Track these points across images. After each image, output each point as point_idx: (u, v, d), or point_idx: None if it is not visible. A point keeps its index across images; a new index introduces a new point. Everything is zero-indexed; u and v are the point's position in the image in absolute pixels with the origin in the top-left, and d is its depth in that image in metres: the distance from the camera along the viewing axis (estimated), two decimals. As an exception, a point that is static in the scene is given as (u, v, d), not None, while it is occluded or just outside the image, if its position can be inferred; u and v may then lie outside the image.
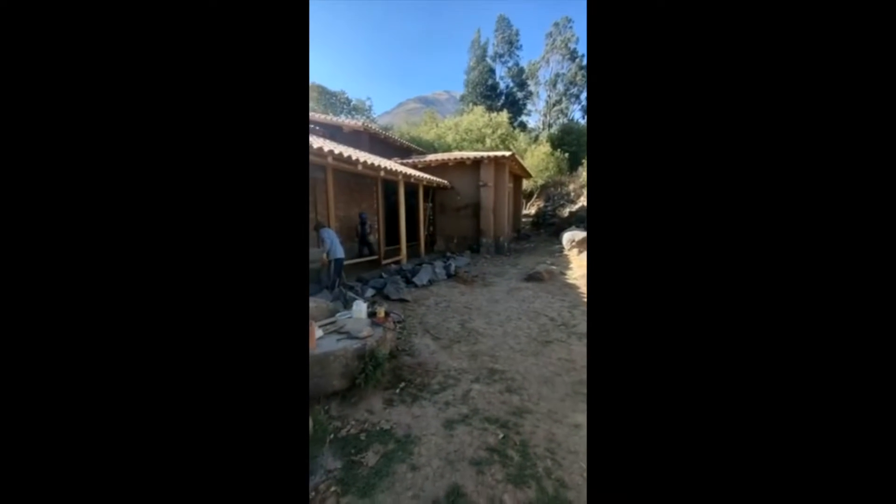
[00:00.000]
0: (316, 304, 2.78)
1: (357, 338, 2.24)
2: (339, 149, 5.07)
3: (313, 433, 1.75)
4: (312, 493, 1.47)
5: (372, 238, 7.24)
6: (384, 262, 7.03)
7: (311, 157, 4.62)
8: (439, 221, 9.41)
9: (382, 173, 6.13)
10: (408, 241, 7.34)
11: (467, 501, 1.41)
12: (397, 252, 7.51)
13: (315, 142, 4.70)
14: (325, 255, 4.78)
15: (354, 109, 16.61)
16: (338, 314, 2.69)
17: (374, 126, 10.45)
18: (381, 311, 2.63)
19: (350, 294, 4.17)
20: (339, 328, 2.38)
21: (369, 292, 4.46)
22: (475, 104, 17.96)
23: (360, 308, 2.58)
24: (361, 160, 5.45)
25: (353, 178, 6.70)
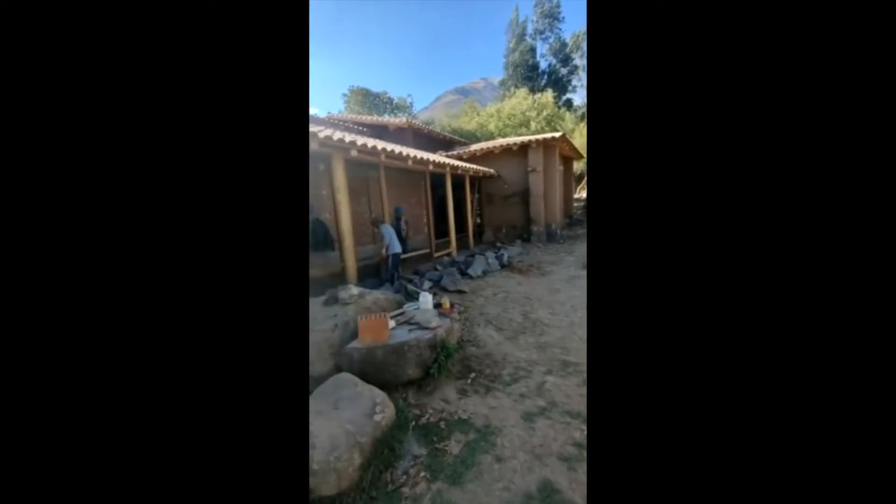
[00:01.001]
0: (385, 296, 2.88)
1: (427, 328, 2.28)
2: (390, 146, 5.20)
3: (396, 420, 1.82)
4: (403, 477, 1.52)
5: (408, 233, 7.22)
6: (435, 254, 7.14)
7: (365, 156, 4.82)
8: (486, 212, 9.26)
9: (431, 167, 6.17)
10: (456, 233, 7.34)
11: (563, 498, 1.35)
12: (447, 245, 7.57)
13: (368, 141, 4.88)
14: (383, 251, 4.99)
15: (397, 108, 16.99)
16: (405, 305, 2.76)
17: (417, 122, 10.58)
18: (446, 303, 2.65)
19: (411, 287, 4.28)
20: (408, 319, 2.45)
21: (426, 284, 4.54)
22: (517, 87, 17.21)
23: (427, 299, 2.62)
24: (411, 155, 5.54)
25: (402, 175, 6.87)
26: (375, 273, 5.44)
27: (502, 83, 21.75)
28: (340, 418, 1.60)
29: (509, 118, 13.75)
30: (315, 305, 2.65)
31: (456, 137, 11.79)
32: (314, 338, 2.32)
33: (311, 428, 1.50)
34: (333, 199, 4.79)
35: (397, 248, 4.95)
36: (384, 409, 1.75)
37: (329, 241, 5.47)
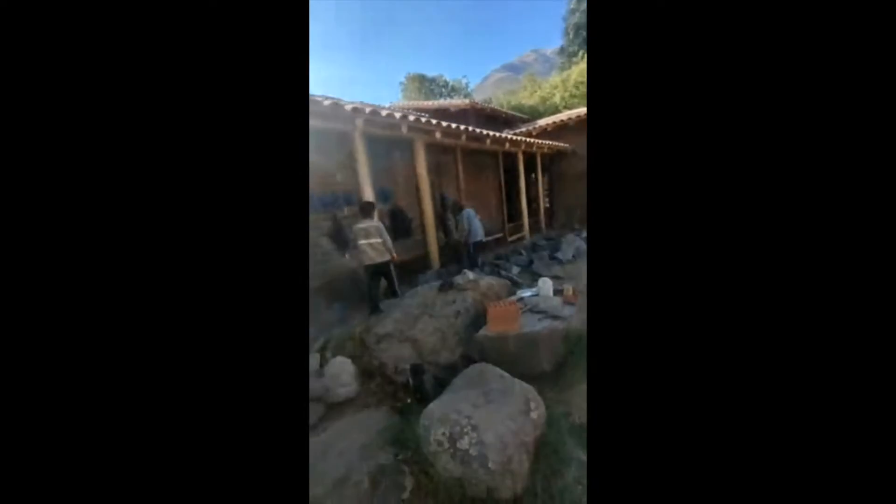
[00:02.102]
0: (497, 282, 2.73)
1: (560, 317, 2.06)
2: (470, 127, 4.97)
3: (547, 418, 1.65)
4: (579, 487, 1.35)
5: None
6: (509, 239, 6.85)
7: (445, 140, 4.67)
8: (557, 193, 8.60)
9: (507, 145, 5.83)
10: (511, 219, 6.93)
11: None
12: (520, 228, 7.21)
13: (452, 123, 4.70)
14: (463, 237, 4.89)
15: (453, 90, 16.63)
16: (518, 292, 2.57)
17: (478, 103, 10.15)
18: (569, 290, 2.39)
19: (504, 273, 4.09)
20: (532, 307, 2.25)
21: (514, 270, 4.31)
22: (583, 51, 15.56)
23: (547, 286, 2.39)
24: (490, 135, 5.26)
25: (469, 157, 6.61)
26: (455, 259, 5.37)
27: (562, 51, 19.88)
28: (499, 414, 1.47)
29: (577, 87, 12.49)
30: (430, 292, 2.60)
31: (518, 115, 11.09)
32: (436, 324, 2.26)
33: (475, 420, 1.40)
34: (417, 185, 4.77)
35: (480, 234, 4.79)
36: (538, 406, 1.58)
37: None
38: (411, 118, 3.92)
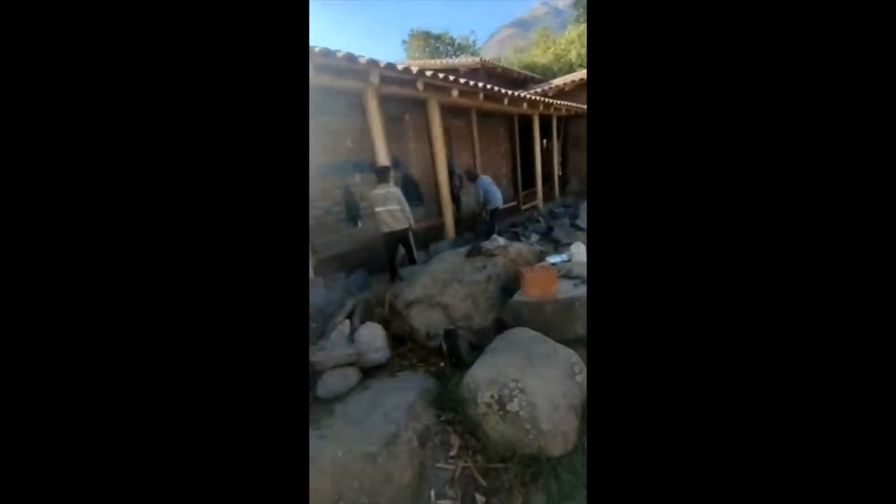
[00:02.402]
0: (527, 248, 2.65)
1: (597, 283, 2.00)
2: (488, 86, 4.64)
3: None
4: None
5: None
6: (522, 207, 6.68)
7: (455, 99, 4.38)
8: (572, 159, 8.26)
9: (525, 106, 5.49)
10: (525, 186, 6.70)
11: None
12: (533, 196, 7.00)
13: (470, 81, 4.37)
14: (478, 203, 4.76)
15: (460, 48, 15.51)
16: (547, 258, 2.50)
17: (489, 62, 9.47)
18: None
19: (524, 240, 3.99)
20: (566, 273, 2.19)
21: (533, 237, 4.22)
22: (600, 2, 14.19)
23: (580, 250, 2.31)
24: (508, 94, 4.92)
25: (480, 120, 6.26)
26: (470, 227, 5.27)
27: (577, 2, 18.29)
28: (546, 378, 1.45)
29: (594, 43, 11.54)
30: (457, 258, 2.54)
31: (531, 74, 10.40)
32: (466, 289, 2.21)
33: (522, 384, 1.38)
34: (431, 150, 4.56)
35: (499, 201, 4.65)
36: (582, 370, 1.56)
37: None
38: (428, 73, 3.63)
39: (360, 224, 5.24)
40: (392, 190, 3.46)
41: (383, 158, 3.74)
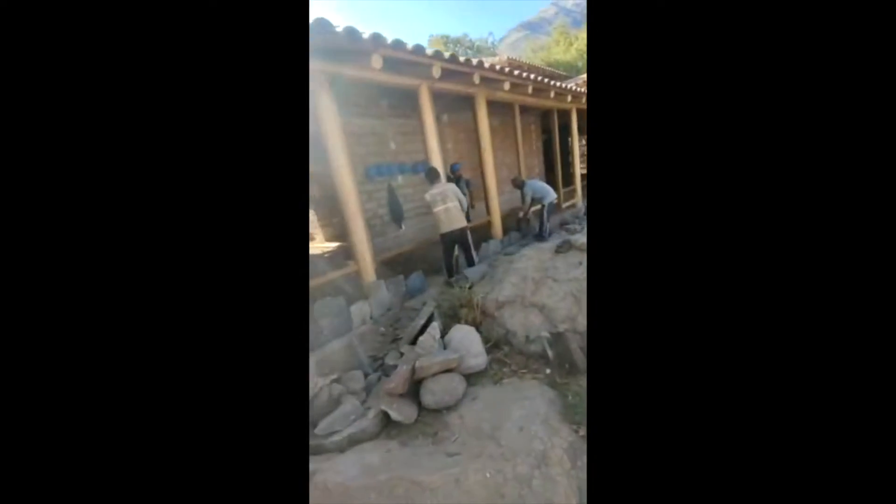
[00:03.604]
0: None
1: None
2: (526, 72, 4.49)
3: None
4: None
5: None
6: (563, 205, 6.45)
7: (501, 95, 4.24)
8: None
9: (569, 98, 5.31)
10: (566, 184, 6.45)
11: None
12: (573, 194, 6.77)
13: (490, 72, 4.23)
14: (525, 207, 4.65)
15: (479, 51, 15.51)
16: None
17: (515, 60, 9.35)
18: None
19: (578, 238, 3.78)
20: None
21: (583, 238, 4.00)
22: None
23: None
24: (556, 85, 4.76)
25: (496, 117, 6.09)
26: (514, 227, 5.11)
27: (594, -2, 17.98)
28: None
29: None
30: (543, 254, 2.37)
31: (557, 72, 10.21)
32: (565, 288, 2.03)
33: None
34: (478, 148, 4.42)
35: (552, 194, 4.49)
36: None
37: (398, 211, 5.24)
38: (486, 65, 3.51)
39: (402, 227, 5.16)
40: (447, 186, 3.33)
41: (437, 158, 3.63)
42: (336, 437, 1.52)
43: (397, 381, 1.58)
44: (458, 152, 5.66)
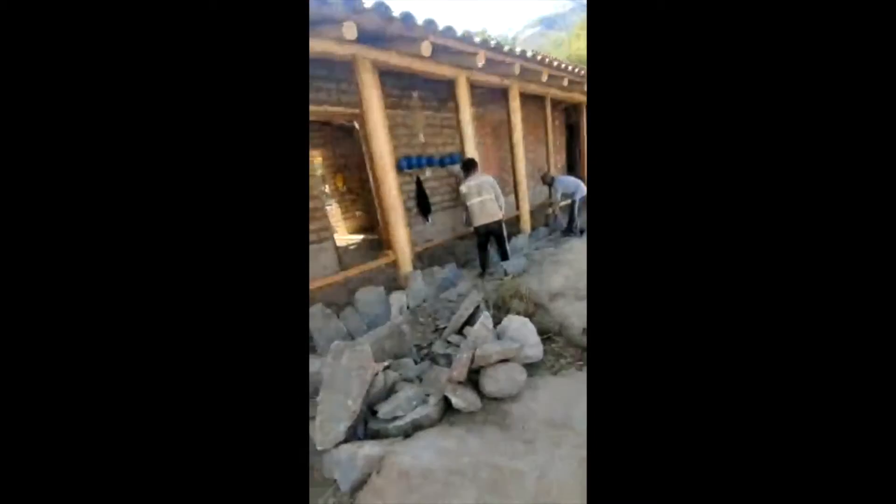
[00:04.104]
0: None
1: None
2: (572, 66, 4.41)
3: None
4: None
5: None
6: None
7: (535, 89, 4.17)
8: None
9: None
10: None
11: None
12: (596, 191, 6.65)
13: (526, 64, 4.15)
14: (555, 204, 4.61)
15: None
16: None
17: (547, 57, 9.20)
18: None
19: None
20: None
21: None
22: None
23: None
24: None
25: (532, 110, 5.98)
26: (543, 223, 5.05)
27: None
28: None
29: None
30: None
31: (582, 66, 10.02)
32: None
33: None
34: (510, 142, 4.37)
35: (583, 191, 4.41)
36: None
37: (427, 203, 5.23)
38: (528, 54, 3.45)
39: (429, 220, 5.15)
40: (485, 178, 3.30)
41: (471, 149, 3.59)
42: (399, 422, 1.51)
43: (460, 368, 1.56)
44: (484, 146, 5.60)
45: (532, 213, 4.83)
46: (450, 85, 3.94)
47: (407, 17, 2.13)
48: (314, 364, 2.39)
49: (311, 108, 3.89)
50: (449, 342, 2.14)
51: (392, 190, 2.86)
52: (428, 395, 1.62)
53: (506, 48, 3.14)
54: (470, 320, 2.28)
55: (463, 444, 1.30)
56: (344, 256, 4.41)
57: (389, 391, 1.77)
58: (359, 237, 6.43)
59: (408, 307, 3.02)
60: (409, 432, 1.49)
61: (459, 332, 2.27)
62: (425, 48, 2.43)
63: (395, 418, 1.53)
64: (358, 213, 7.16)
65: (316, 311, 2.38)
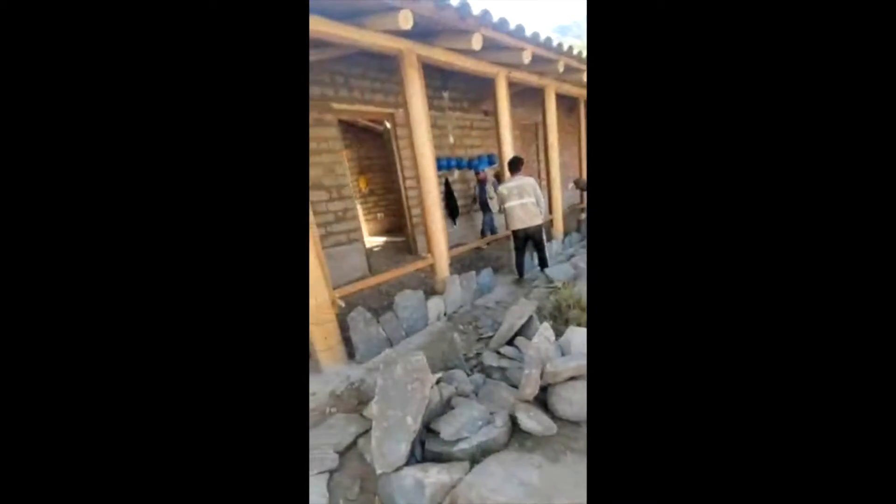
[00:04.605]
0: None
1: None
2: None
3: None
4: None
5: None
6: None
7: (569, 88, 3.99)
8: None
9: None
10: None
11: None
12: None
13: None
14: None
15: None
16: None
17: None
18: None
19: None
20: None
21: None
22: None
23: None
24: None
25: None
26: (575, 228, 4.87)
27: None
28: None
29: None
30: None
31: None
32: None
33: None
34: (545, 143, 4.22)
35: None
36: None
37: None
38: (574, 51, 3.30)
39: (455, 224, 5.01)
40: (526, 180, 3.15)
41: (508, 148, 3.46)
42: (464, 445, 1.36)
43: (532, 386, 1.41)
44: (513, 149, 5.48)
45: (564, 217, 4.66)
46: (482, 84, 3.82)
47: (463, 7, 2.02)
48: (354, 373, 2.28)
49: (344, 106, 3.84)
50: (501, 354, 1.98)
51: (433, 191, 2.74)
52: (492, 415, 1.47)
53: (555, 43, 3.01)
54: (521, 331, 2.12)
55: (547, 478, 1.14)
56: (369, 258, 4.31)
57: (445, 407, 1.62)
58: (381, 239, 6.36)
59: (445, 313, 2.88)
60: (476, 457, 1.34)
61: (510, 342, 2.12)
62: (476, 41, 2.32)
63: (459, 440, 1.38)
64: (380, 216, 7.10)
65: (356, 316, 2.26)
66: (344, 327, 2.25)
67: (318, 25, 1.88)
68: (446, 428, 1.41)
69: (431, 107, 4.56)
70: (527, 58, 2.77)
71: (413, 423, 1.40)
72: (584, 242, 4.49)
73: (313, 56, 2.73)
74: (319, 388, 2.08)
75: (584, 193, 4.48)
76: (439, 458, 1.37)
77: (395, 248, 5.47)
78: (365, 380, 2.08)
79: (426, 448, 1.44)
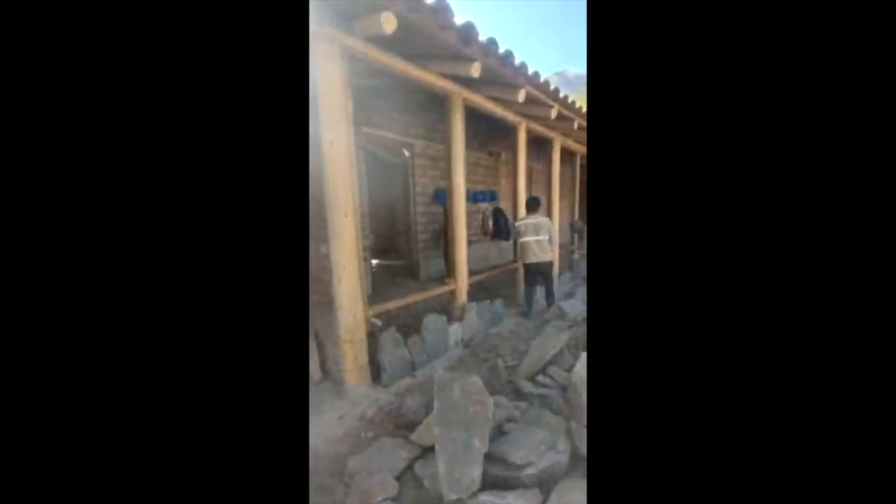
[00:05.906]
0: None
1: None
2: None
3: None
4: None
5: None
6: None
7: (565, 139, 4.47)
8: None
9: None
10: None
11: None
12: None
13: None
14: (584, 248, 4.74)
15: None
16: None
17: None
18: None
19: None
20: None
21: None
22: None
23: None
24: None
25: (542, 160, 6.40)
26: (568, 268, 5.18)
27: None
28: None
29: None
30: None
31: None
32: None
33: None
34: (548, 184, 4.60)
35: None
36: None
37: (506, 230, 5.36)
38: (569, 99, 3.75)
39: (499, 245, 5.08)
40: (543, 219, 3.40)
41: (523, 191, 3.75)
42: (531, 471, 1.36)
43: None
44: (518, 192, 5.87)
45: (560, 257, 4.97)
46: (493, 128, 4.14)
47: (522, 66, 2.31)
48: (381, 396, 2.17)
49: (365, 129, 3.97)
50: (538, 383, 2.03)
51: (461, 220, 2.87)
52: (555, 440, 1.50)
53: (574, 104, 3.43)
54: (553, 361, 2.21)
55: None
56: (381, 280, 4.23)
57: (497, 432, 1.62)
58: (374, 262, 6.24)
59: (462, 340, 2.89)
60: (544, 482, 1.35)
61: (543, 371, 2.18)
62: (521, 95, 2.61)
63: (527, 465, 1.38)
64: (372, 236, 7.01)
65: (387, 337, 2.21)
66: (371, 348, 2.18)
67: (386, 58, 2.02)
68: (514, 452, 1.41)
69: (445, 141, 4.85)
70: (553, 114, 3.13)
71: (480, 446, 1.39)
72: (576, 281, 4.79)
73: (363, 83, 2.87)
74: (347, 412, 1.97)
75: (577, 236, 4.86)
76: (505, 484, 1.36)
77: (391, 271, 5.41)
78: (396, 403, 2.00)
79: (487, 472, 1.42)
